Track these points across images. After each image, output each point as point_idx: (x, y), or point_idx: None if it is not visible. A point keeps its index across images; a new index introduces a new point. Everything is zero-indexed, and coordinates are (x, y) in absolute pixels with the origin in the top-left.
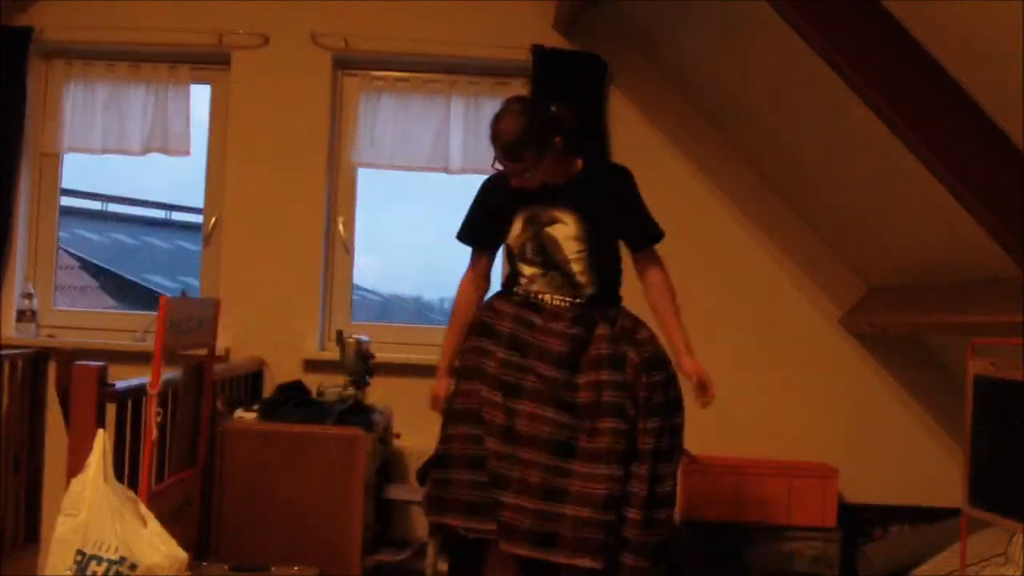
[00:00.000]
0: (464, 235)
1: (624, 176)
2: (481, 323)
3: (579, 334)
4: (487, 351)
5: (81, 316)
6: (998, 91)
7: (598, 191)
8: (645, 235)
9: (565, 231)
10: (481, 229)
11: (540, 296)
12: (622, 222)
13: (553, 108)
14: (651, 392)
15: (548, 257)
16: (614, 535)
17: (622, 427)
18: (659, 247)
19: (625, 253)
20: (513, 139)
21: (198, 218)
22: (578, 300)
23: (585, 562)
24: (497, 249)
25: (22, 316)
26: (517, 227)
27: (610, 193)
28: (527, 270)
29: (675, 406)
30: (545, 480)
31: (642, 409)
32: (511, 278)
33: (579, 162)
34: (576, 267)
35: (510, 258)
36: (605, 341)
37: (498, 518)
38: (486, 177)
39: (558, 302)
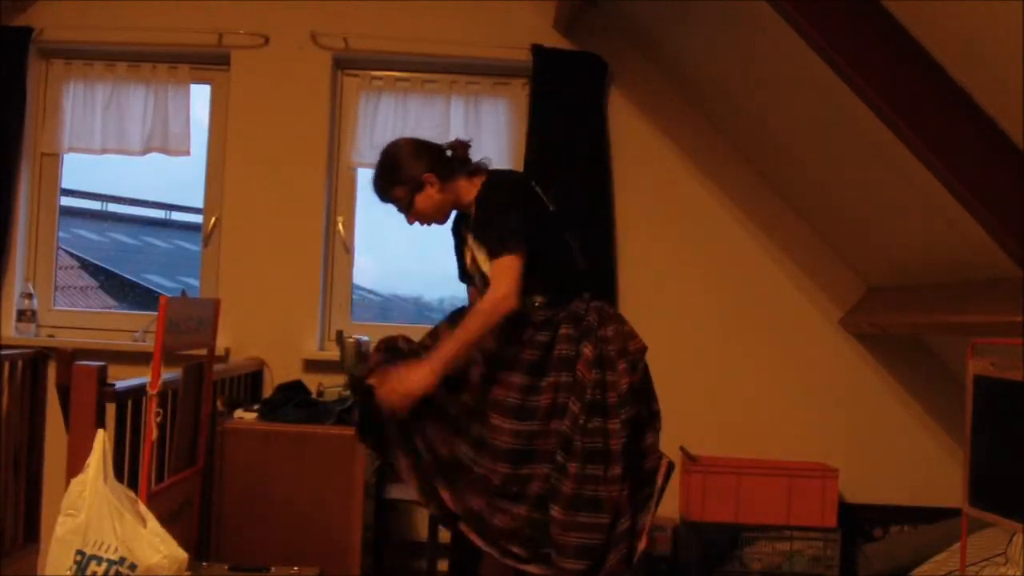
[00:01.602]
0: (460, 277)
1: (486, 186)
2: None
3: (545, 339)
4: (473, 359)
5: (81, 316)
6: (998, 91)
7: (479, 206)
8: (489, 246)
9: (482, 256)
10: (461, 270)
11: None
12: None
13: (410, 145)
14: (597, 390)
15: (487, 285)
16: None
17: (563, 428)
18: (659, 247)
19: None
20: (375, 186)
21: (198, 218)
22: (537, 306)
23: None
24: None
25: (22, 316)
26: (468, 260)
27: (480, 204)
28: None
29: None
30: (506, 487)
31: (586, 407)
32: None
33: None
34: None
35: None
36: (566, 341)
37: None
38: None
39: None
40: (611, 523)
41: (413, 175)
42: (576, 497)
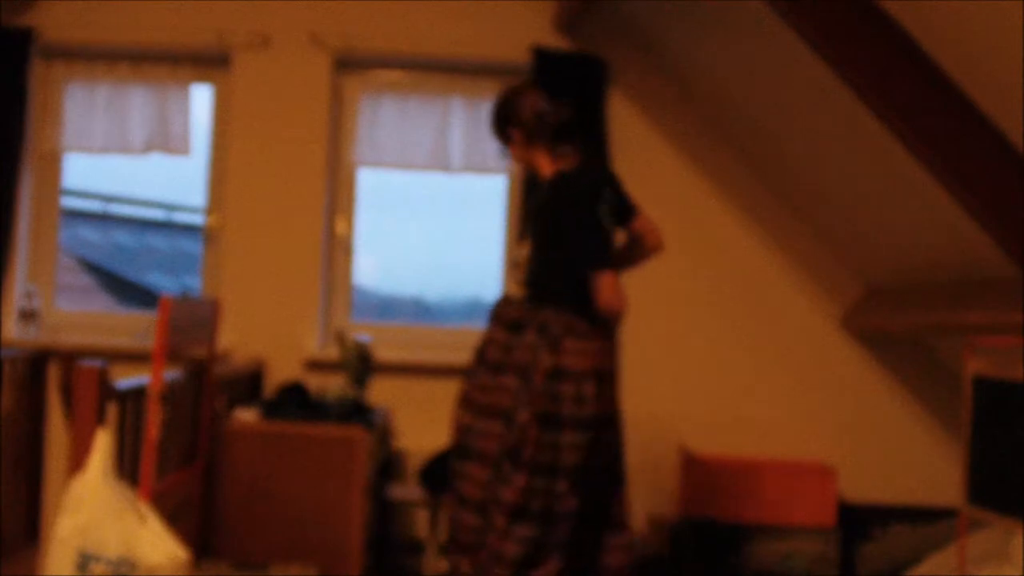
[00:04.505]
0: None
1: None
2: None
3: (508, 339)
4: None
5: (82, 316)
6: (997, 91)
7: (552, 197)
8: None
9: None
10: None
11: (509, 291)
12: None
13: (525, 99)
14: (552, 404)
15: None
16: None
17: (503, 431)
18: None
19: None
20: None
21: (199, 218)
22: (521, 295)
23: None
24: None
25: (23, 316)
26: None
27: (561, 203)
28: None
29: (578, 423)
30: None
31: (538, 418)
32: None
33: (567, 162)
34: (521, 255)
35: None
36: (526, 348)
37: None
38: None
39: (511, 294)
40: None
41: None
42: (521, 508)
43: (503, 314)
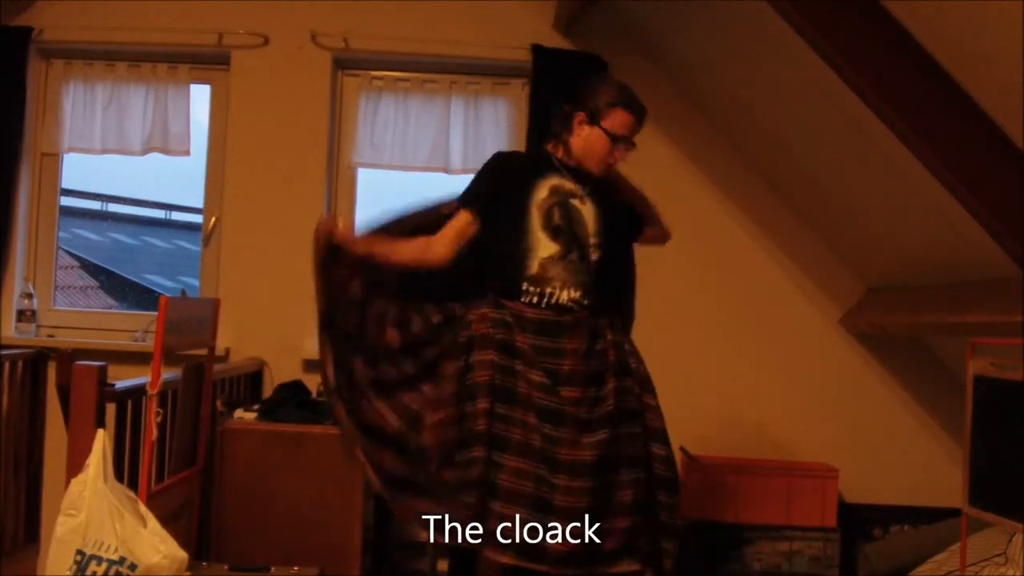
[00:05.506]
0: (471, 200)
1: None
2: (497, 341)
3: (600, 347)
4: (515, 371)
5: (81, 316)
6: (998, 91)
7: (610, 193)
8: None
9: (588, 211)
10: (490, 197)
11: (555, 297)
12: (632, 220)
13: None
14: (649, 415)
15: (573, 230)
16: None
17: (637, 431)
18: (659, 247)
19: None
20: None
21: (198, 218)
22: (586, 302)
23: (625, 567)
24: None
25: (22, 316)
26: (542, 192)
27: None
28: (546, 248)
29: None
30: (591, 503)
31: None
32: (513, 277)
33: None
34: (595, 254)
35: (522, 235)
36: (613, 347)
37: (546, 545)
38: (496, 154)
39: (572, 303)
40: None
41: None
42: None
43: (579, 322)
